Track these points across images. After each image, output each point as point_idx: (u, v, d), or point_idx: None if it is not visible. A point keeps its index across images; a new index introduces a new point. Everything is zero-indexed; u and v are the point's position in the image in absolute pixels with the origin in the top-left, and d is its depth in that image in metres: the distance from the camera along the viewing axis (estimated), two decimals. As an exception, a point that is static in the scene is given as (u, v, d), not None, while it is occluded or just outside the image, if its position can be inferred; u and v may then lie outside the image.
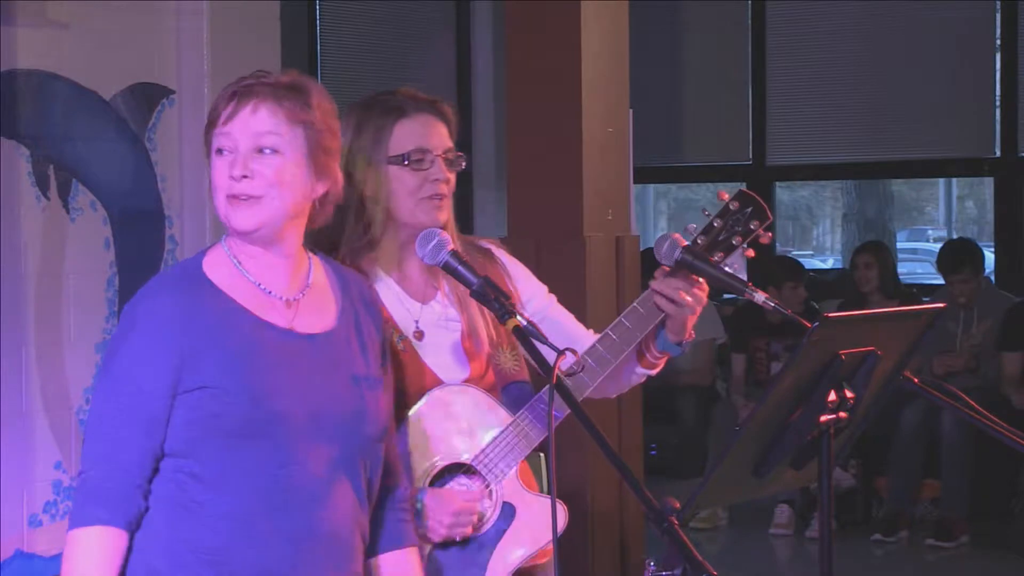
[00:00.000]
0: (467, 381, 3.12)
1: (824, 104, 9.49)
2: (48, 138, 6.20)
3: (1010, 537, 7.54)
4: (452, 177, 3.17)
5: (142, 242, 6.46)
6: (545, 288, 3.35)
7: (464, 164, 3.19)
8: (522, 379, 3.20)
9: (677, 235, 3.11)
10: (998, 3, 8.90)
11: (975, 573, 7.21)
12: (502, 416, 3.09)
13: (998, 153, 8.95)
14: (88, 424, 2.63)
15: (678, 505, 2.48)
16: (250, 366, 2.60)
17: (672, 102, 9.93)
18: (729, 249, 3.08)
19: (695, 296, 3.10)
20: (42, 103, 6.18)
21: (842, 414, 2.76)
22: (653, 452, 8.56)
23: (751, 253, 3.11)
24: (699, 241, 3.08)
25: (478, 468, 3.09)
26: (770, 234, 3.13)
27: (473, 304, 3.13)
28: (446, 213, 3.15)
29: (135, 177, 6.47)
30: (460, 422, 3.08)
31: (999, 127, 8.96)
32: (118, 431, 2.57)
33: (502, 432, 3.07)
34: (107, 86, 6.39)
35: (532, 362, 2.80)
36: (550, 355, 2.69)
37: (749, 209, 3.09)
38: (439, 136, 3.16)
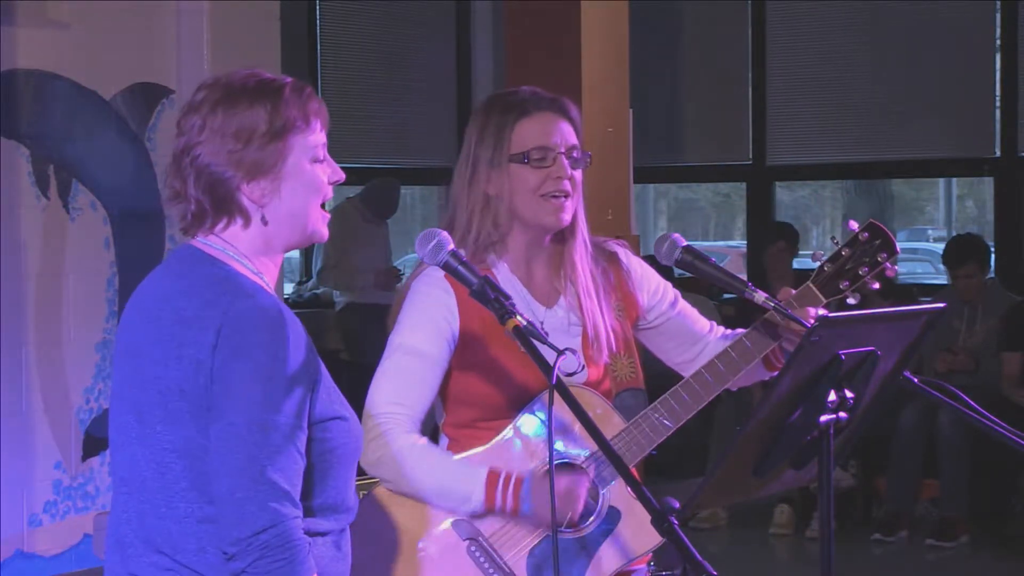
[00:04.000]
0: (584, 386, 3.14)
1: (824, 104, 9.49)
2: (48, 138, 6.20)
3: (1010, 537, 7.54)
4: (577, 175, 3.19)
5: (142, 242, 6.47)
6: (668, 286, 3.34)
7: (589, 162, 3.20)
8: (636, 387, 3.21)
9: (676, 235, 3.12)
10: (998, 3, 8.90)
11: (975, 573, 7.20)
12: (616, 422, 3.10)
13: (998, 153, 8.95)
14: (229, 468, 2.41)
15: (678, 505, 2.48)
16: (334, 387, 2.57)
17: (672, 102, 9.93)
18: (855, 279, 3.14)
19: None
20: (42, 103, 6.19)
21: (842, 414, 2.75)
22: (653, 452, 8.55)
23: (876, 285, 3.15)
24: (826, 268, 3.14)
25: (588, 469, 3.10)
26: (896, 267, 3.17)
27: (596, 312, 3.16)
28: (569, 213, 3.17)
29: (135, 177, 6.48)
30: (575, 424, 3.09)
31: (999, 127, 8.96)
32: (287, 474, 2.42)
33: (615, 438, 3.08)
34: (107, 86, 6.40)
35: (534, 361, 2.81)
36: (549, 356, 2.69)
37: (878, 241, 3.15)
38: (561, 134, 3.18)
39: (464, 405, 3.14)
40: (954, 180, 17.28)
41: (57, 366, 6.23)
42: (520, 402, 3.11)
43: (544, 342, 2.72)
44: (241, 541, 2.39)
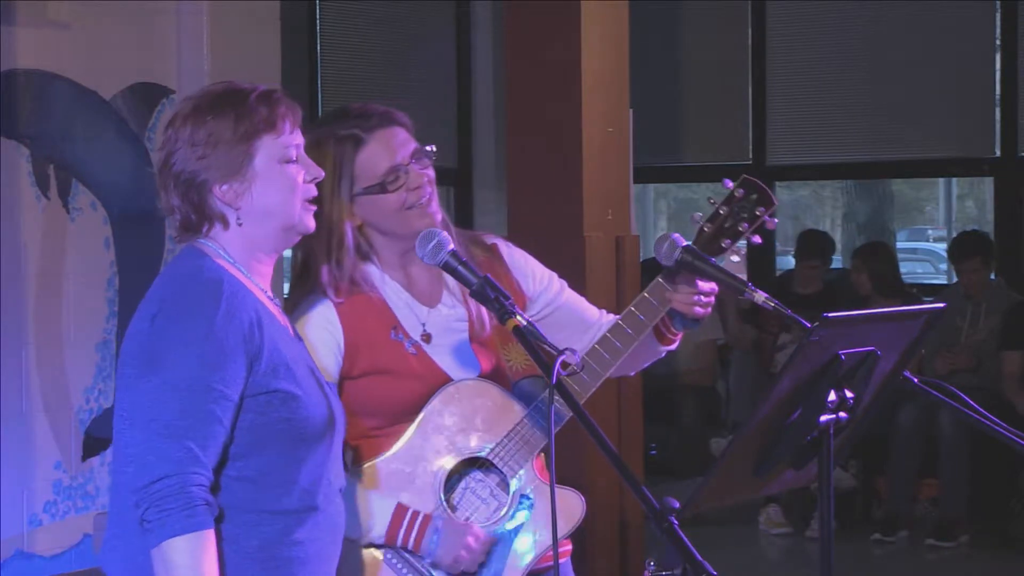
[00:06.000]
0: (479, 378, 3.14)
1: (824, 104, 9.48)
2: (48, 138, 6.20)
3: (1010, 537, 7.54)
4: (430, 172, 3.15)
5: (142, 242, 6.47)
6: (554, 275, 3.34)
7: (434, 152, 3.15)
8: (533, 374, 3.21)
9: (676, 235, 3.12)
10: (998, 3, 8.90)
11: (975, 573, 7.21)
12: (516, 410, 3.10)
13: (998, 153, 8.95)
14: (141, 425, 2.53)
15: (678, 505, 2.48)
16: (297, 370, 2.66)
17: (672, 102, 9.93)
18: (736, 236, 3.13)
19: (707, 301, 3.16)
20: (42, 103, 6.18)
21: (842, 414, 2.75)
22: (653, 452, 8.56)
23: (758, 239, 3.14)
24: (705, 229, 3.13)
25: (495, 462, 3.10)
26: (776, 220, 3.16)
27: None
28: (437, 212, 3.13)
29: (135, 177, 6.48)
30: (475, 417, 3.09)
31: (999, 127, 8.95)
32: (196, 432, 2.51)
33: (517, 425, 3.09)
34: (107, 86, 6.39)
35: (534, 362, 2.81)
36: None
37: (754, 196, 3.13)
38: (401, 144, 3.12)
39: (359, 415, 3.09)
40: (954, 180, 17.25)
41: (57, 366, 6.22)
42: (414, 405, 3.09)
43: (544, 342, 2.73)
44: (139, 490, 2.50)
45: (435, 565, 3.04)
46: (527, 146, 6.20)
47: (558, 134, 6.06)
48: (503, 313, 2.77)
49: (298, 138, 2.71)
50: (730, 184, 3.15)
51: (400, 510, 3.03)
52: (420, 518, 3.03)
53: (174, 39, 6.55)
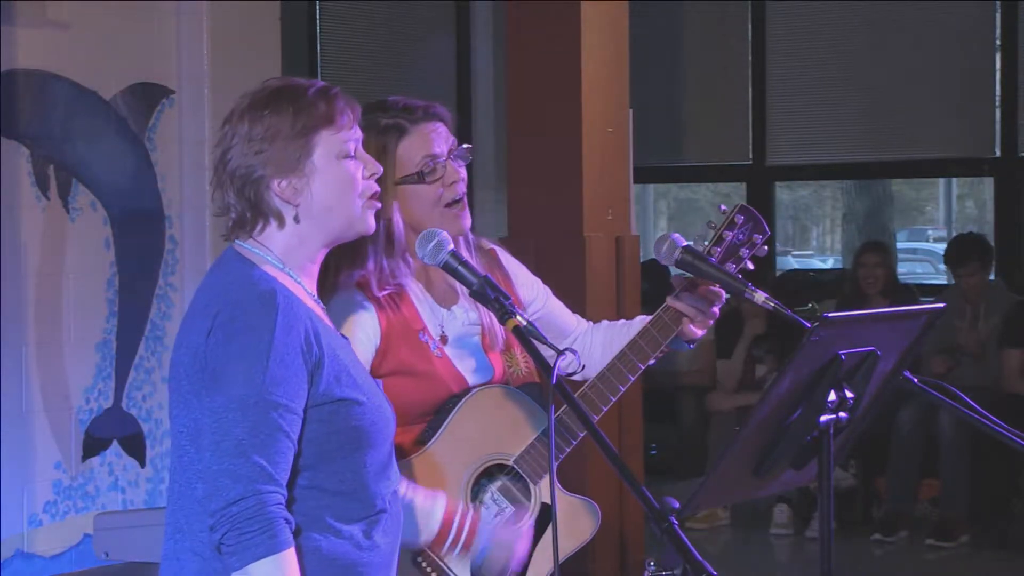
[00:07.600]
0: (492, 382, 3.16)
1: (824, 104, 9.48)
2: (48, 138, 6.20)
3: (1010, 537, 7.54)
4: (464, 172, 3.17)
5: (142, 242, 6.46)
6: (539, 281, 3.38)
7: (471, 153, 3.18)
8: (532, 381, 3.23)
9: (676, 235, 3.13)
10: (998, 3, 8.90)
11: (975, 573, 7.20)
12: (540, 416, 3.11)
13: (998, 153, 8.95)
14: (208, 445, 2.49)
15: (678, 505, 2.48)
16: (356, 375, 2.63)
17: (672, 102, 9.93)
18: (738, 260, 3.20)
19: (713, 314, 3.21)
20: (42, 103, 6.18)
21: (842, 414, 2.75)
22: (653, 452, 8.56)
23: (751, 266, 3.21)
24: (714, 253, 3.18)
25: (519, 469, 3.12)
26: (766, 248, 3.24)
27: None
28: (469, 218, 3.16)
29: (135, 177, 6.48)
30: (502, 424, 3.11)
31: (999, 127, 8.95)
32: (267, 449, 2.48)
33: (541, 433, 3.11)
34: (107, 86, 6.39)
35: (533, 362, 2.82)
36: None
37: (751, 223, 3.20)
38: (441, 138, 3.15)
39: None
40: (954, 180, 17.24)
41: (57, 366, 6.22)
42: (430, 407, 3.10)
43: (545, 342, 2.73)
44: (216, 513, 2.47)
45: (481, 571, 3.02)
46: (527, 146, 6.20)
47: (558, 134, 6.07)
48: (503, 313, 2.78)
49: (357, 133, 2.67)
50: (727, 209, 3.21)
51: (448, 518, 3.00)
52: (468, 524, 3.01)
53: (174, 39, 6.54)
